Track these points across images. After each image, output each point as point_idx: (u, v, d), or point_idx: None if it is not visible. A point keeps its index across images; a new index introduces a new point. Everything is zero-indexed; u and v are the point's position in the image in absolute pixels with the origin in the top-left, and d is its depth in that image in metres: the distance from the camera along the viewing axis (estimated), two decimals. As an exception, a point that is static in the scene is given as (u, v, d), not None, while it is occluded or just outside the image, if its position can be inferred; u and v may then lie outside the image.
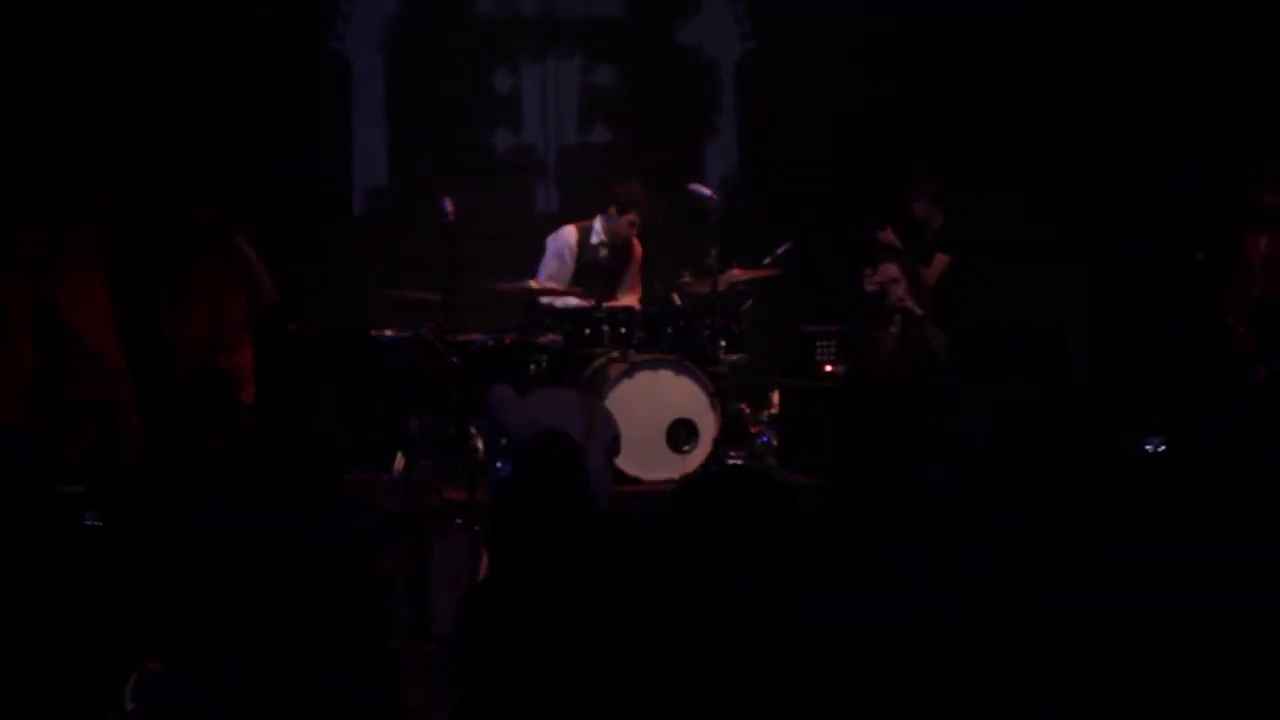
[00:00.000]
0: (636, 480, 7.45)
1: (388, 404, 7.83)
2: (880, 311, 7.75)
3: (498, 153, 9.55)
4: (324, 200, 9.18)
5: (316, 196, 9.06)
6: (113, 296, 7.12)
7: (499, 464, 6.50)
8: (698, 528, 3.13)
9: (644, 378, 7.59)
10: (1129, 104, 8.87)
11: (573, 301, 7.98)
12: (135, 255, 7.53)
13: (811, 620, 3.01)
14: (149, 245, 7.73)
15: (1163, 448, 3.78)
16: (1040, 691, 3.10)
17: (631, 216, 8.03)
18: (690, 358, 7.69)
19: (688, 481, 3.66)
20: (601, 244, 8.13)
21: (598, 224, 8.13)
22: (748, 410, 8.23)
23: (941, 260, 8.24)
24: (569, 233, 8.17)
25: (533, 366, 7.72)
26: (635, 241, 8.22)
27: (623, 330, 7.74)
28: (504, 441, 6.44)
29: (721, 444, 7.61)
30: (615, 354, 7.71)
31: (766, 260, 8.17)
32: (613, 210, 8.05)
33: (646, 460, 7.51)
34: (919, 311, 7.66)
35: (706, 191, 8.26)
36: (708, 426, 7.60)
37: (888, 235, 8.12)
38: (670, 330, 7.82)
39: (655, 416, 7.55)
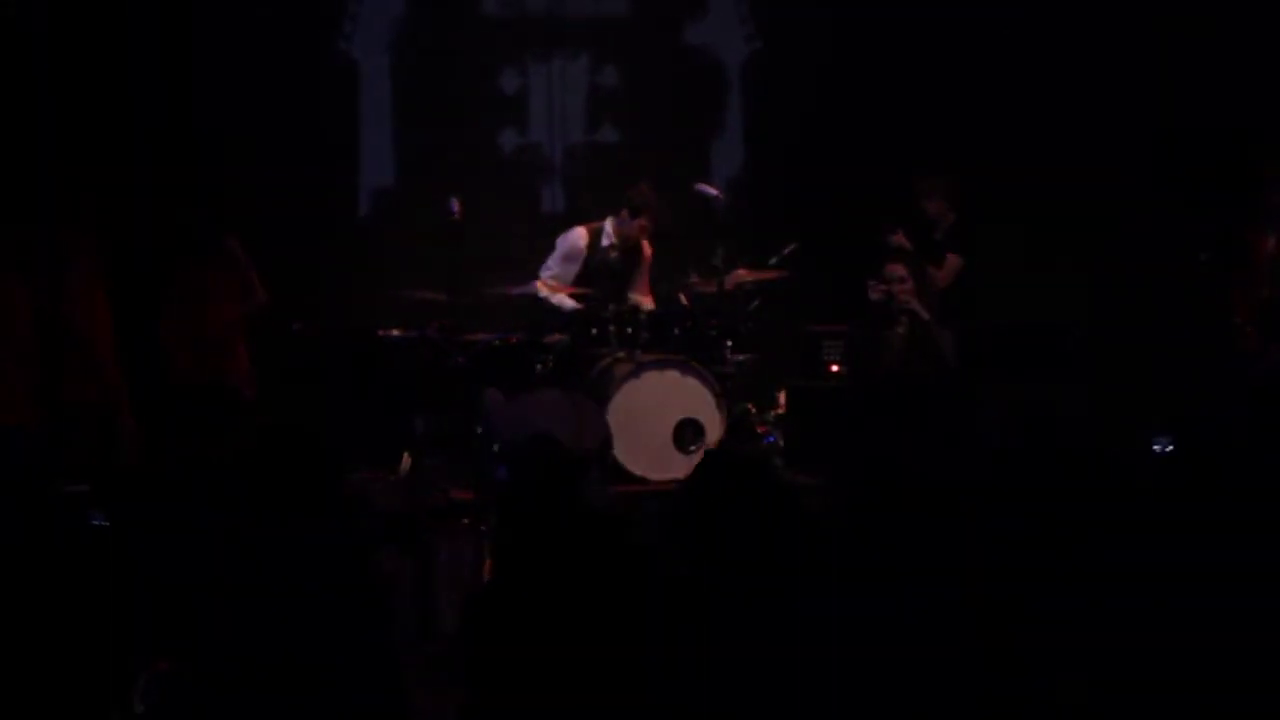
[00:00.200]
0: (643, 480, 7.45)
1: (393, 404, 7.83)
2: (887, 313, 7.74)
3: (504, 153, 9.55)
4: (330, 200, 9.18)
5: (323, 197, 9.06)
6: (110, 297, 7.12)
7: (497, 467, 6.51)
8: (696, 523, 3.14)
9: (651, 378, 7.59)
10: (1134, 102, 8.85)
11: (568, 303, 7.97)
12: (133, 256, 7.54)
13: (810, 617, 3.01)
14: (147, 246, 7.74)
15: (1170, 448, 3.78)
16: (1044, 691, 3.10)
17: (643, 221, 8.01)
18: (697, 358, 7.68)
19: (689, 476, 3.64)
20: (612, 246, 8.11)
21: (609, 226, 8.11)
22: (754, 410, 8.22)
23: (954, 262, 8.23)
24: (579, 234, 8.15)
25: (539, 367, 7.72)
26: (645, 243, 8.20)
27: (629, 330, 7.74)
28: (496, 447, 6.45)
29: (728, 444, 7.60)
30: (622, 354, 7.71)
31: (773, 261, 8.16)
32: (624, 213, 8.03)
33: (653, 460, 7.51)
34: (925, 314, 7.64)
35: (713, 192, 8.26)
36: (714, 427, 7.60)
37: (899, 238, 8.11)
38: (677, 331, 7.82)
39: (662, 417, 7.55)
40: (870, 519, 3.41)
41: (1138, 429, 4.99)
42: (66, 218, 6.98)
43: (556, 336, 7.86)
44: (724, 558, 3.11)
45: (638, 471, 7.44)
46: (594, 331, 7.77)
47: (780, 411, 8.36)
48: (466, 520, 6.70)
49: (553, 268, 8.13)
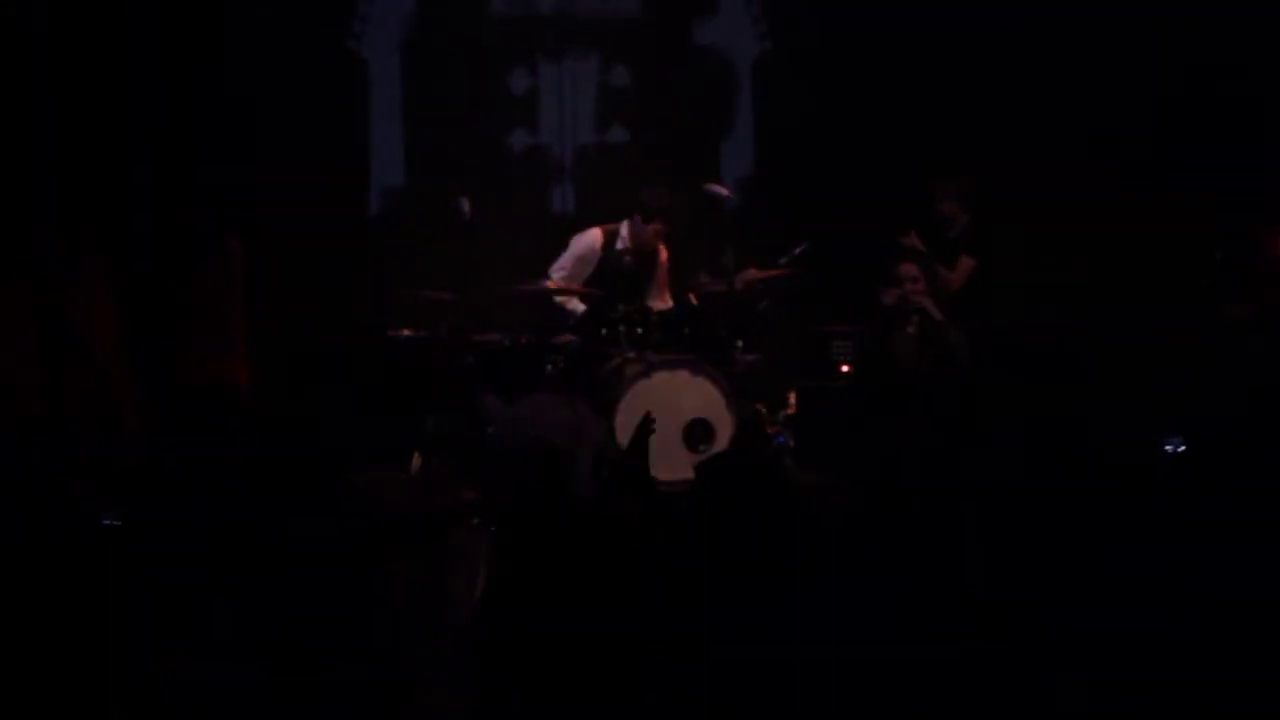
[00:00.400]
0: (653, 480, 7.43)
1: (404, 404, 7.83)
2: (898, 313, 7.73)
3: (514, 153, 9.55)
4: (340, 200, 9.18)
5: (333, 196, 9.07)
6: (115, 297, 7.12)
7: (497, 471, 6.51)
8: (699, 521, 3.14)
9: (661, 378, 7.58)
10: (1146, 102, 8.84)
11: (577, 303, 7.97)
12: (136, 256, 7.53)
13: (812, 617, 3.01)
14: (150, 247, 7.74)
15: (1182, 448, 3.77)
16: (1050, 692, 3.09)
17: (657, 225, 7.99)
18: (707, 358, 7.68)
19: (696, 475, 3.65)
20: (626, 250, 8.09)
21: (624, 229, 8.10)
22: (764, 411, 8.21)
23: (967, 264, 8.21)
24: (594, 236, 8.14)
25: (549, 367, 7.72)
26: (662, 247, 8.17)
27: (639, 331, 7.73)
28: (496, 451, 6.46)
29: (738, 444, 7.59)
30: (632, 354, 7.71)
31: (783, 260, 8.16)
32: (638, 217, 8.01)
33: (663, 460, 7.47)
34: (938, 313, 7.63)
35: (723, 192, 8.25)
36: (724, 427, 7.59)
37: (912, 239, 8.10)
38: (687, 330, 7.81)
39: (672, 417, 7.54)
40: (877, 518, 3.41)
41: (1150, 430, 4.98)
42: (68, 218, 6.99)
43: (567, 337, 7.85)
44: (729, 558, 3.11)
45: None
46: (604, 332, 7.76)
47: (790, 412, 8.35)
48: (475, 520, 6.70)
49: (564, 268, 8.12)
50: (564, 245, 8.23)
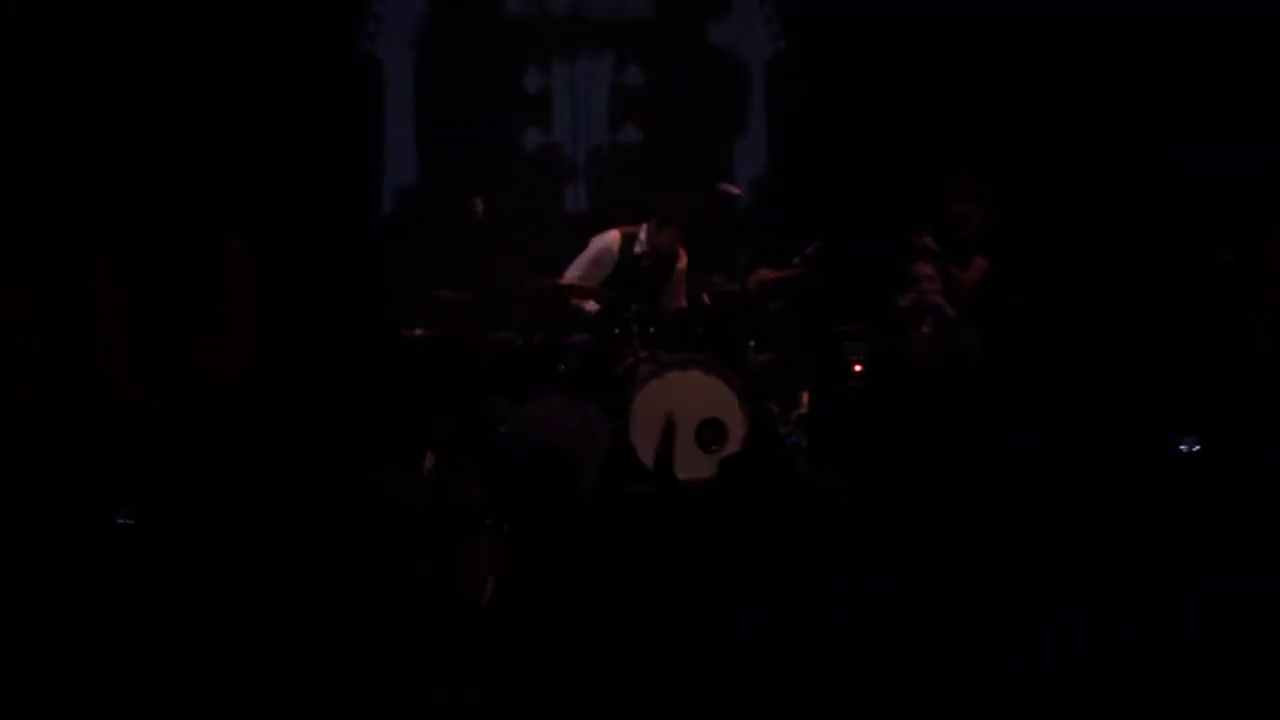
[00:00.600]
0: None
1: (417, 403, 7.83)
2: (913, 313, 7.72)
3: (527, 152, 9.55)
4: (354, 200, 9.20)
5: (347, 196, 9.08)
6: (126, 297, 7.12)
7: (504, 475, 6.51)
8: (715, 520, 3.14)
9: (673, 378, 7.57)
10: (1158, 100, 8.82)
11: (591, 304, 7.96)
12: (141, 256, 7.54)
13: (821, 615, 3.00)
14: (155, 246, 7.74)
15: (1197, 448, 3.76)
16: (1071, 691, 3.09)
17: (674, 230, 7.97)
18: (720, 358, 7.67)
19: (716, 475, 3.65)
20: (644, 253, 8.08)
21: (642, 233, 8.08)
22: (777, 410, 8.20)
23: (981, 265, 8.20)
24: (613, 238, 8.12)
25: (562, 366, 7.71)
26: (681, 251, 8.15)
27: (652, 330, 7.73)
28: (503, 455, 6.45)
29: (751, 444, 7.58)
30: (644, 354, 7.70)
31: (796, 260, 8.14)
32: (655, 222, 7.99)
33: (676, 460, 7.48)
34: (952, 313, 7.62)
35: (736, 191, 8.23)
36: (737, 427, 7.58)
37: (926, 239, 8.09)
38: (699, 330, 7.80)
39: (684, 417, 7.53)
40: (887, 518, 3.41)
41: (1164, 429, 4.97)
42: (72, 218, 7.00)
43: (579, 336, 7.85)
44: (742, 557, 3.11)
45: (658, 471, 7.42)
46: (616, 331, 7.75)
47: (803, 411, 8.34)
48: (489, 520, 6.70)
49: (579, 269, 8.11)
50: (580, 245, 8.23)
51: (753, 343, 7.82)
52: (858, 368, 8.20)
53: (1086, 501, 3.42)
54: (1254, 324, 7.59)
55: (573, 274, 8.08)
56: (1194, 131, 8.71)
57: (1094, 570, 3.26)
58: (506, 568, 5.25)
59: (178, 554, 4.40)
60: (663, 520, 4.02)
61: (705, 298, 8.14)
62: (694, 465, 7.48)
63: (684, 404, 7.53)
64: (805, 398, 8.37)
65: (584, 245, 8.17)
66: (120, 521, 4.97)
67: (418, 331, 8.07)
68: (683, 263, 8.21)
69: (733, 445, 7.55)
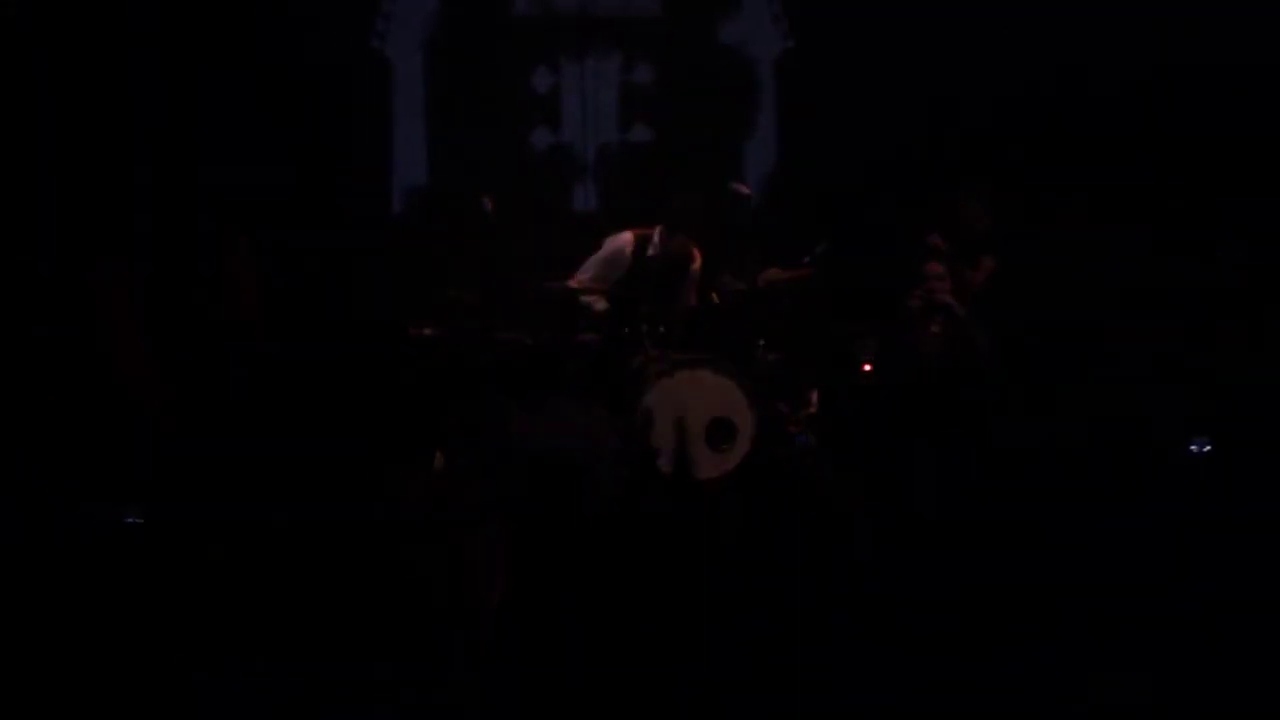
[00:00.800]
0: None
1: (426, 402, 7.84)
2: (923, 312, 7.71)
3: (536, 151, 9.56)
4: (363, 199, 9.21)
5: (356, 195, 9.09)
6: (140, 294, 7.14)
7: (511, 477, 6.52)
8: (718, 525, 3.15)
9: (683, 377, 7.57)
10: (1167, 99, 8.81)
11: (600, 304, 7.96)
12: (149, 256, 7.56)
13: (819, 621, 3.00)
14: (162, 247, 7.76)
15: (1208, 448, 3.76)
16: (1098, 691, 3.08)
17: (686, 236, 7.96)
18: (729, 357, 7.66)
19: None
20: (657, 255, 8.06)
21: (656, 235, 8.07)
22: (786, 410, 8.19)
23: (989, 264, 8.19)
24: (625, 239, 8.11)
25: (571, 365, 7.71)
26: (695, 251, 8.14)
27: (662, 329, 7.72)
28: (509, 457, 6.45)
29: (760, 443, 7.58)
30: (654, 353, 7.70)
31: (805, 259, 8.14)
32: (667, 225, 7.98)
33: (686, 460, 7.48)
34: (961, 312, 7.61)
35: (745, 190, 8.22)
36: (746, 426, 7.57)
37: (935, 239, 8.08)
38: (709, 329, 7.79)
39: (694, 416, 7.53)
40: (893, 516, 3.41)
41: (1177, 429, 4.96)
42: (80, 222, 7.01)
43: (589, 336, 7.84)
44: (750, 557, 3.11)
45: (669, 471, 7.42)
46: (626, 331, 7.75)
47: (812, 411, 8.33)
48: (496, 519, 6.70)
49: (590, 269, 8.10)
50: (589, 245, 8.22)
51: (762, 342, 7.81)
52: (867, 367, 8.19)
53: (1091, 501, 3.41)
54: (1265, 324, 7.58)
55: (585, 274, 8.08)
56: (1205, 129, 8.70)
57: (1094, 570, 3.26)
58: (512, 568, 5.26)
59: (186, 553, 4.40)
60: (670, 520, 4.02)
61: (714, 297, 8.14)
62: (704, 464, 7.49)
63: (694, 403, 7.52)
64: (814, 397, 8.37)
65: (596, 245, 8.17)
66: (129, 521, 4.98)
67: (427, 331, 8.06)
68: (697, 264, 8.20)
69: (742, 444, 7.54)
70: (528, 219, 8.91)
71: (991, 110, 9.02)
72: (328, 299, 8.14)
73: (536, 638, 3.42)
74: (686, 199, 8.02)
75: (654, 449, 7.30)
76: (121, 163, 7.96)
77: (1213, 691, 3.07)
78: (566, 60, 9.58)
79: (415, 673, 3.76)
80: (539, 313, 8.33)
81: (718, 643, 3.12)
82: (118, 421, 6.87)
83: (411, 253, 9.16)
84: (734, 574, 3.23)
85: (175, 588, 4.30)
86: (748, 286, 7.86)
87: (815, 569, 3.75)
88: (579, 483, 4.09)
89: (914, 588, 3.24)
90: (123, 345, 7.03)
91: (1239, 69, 8.57)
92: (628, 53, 9.61)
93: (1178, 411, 6.03)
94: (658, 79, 9.62)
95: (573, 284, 8.00)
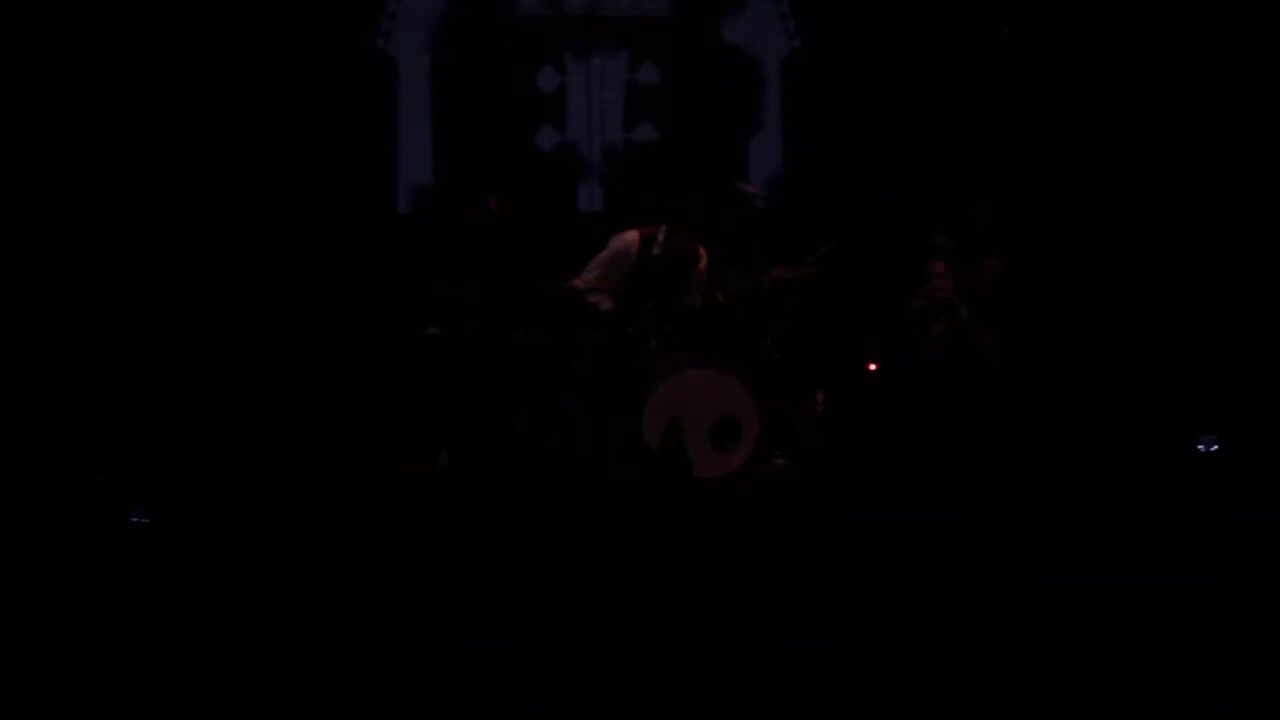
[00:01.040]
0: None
1: (432, 402, 7.84)
2: (927, 311, 7.70)
3: (542, 151, 9.55)
4: (369, 198, 9.21)
5: (361, 195, 9.09)
6: (153, 289, 7.15)
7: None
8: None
9: (688, 376, 7.57)
10: (1174, 99, 8.80)
11: (605, 304, 7.95)
12: (162, 252, 7.56)
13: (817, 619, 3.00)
14: (164, 245, 7.76)
15: (1215, 447, 3.76)
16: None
17: (691, 236, 7.96)
18: (734, 356, 7.66)
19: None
20: (662, 255, 8.06)
21: (662, 235, 8.07)
22: (792, 409, 8.19)
23: (995, 264, 8.19)
24: (631, 238, 8.12)
25: (576, 365, 7.71)
26: (700, 250, 8.14)
27: (667, 329, 7.72)
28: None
29: (765, 443, 7.58)
30: (660, 353, 7.70)
31: (811, 259, 8.14)
32: (673, 225, 7.98)
33: (691, 459, 7.48)
34: (965, 311, 7.60)
35: (751, 190, 8.22)
36: (751, 425, 7.57)
37: (940, 238, 8.07)
38: (714, 329, 7.79)
39: (699, 415, 7.53)
40: (893, 513, 3.41)
41: (1185, 429, 4.96)
42: (94, 221, 7.02)
43: (595, 335, 7.84)
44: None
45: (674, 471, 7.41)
46: (632, 330, 7.75)
47: (818, 410, 8.33)
48: (505, 519, 6.70)
49: (596, 268, 8.10)
50: (595, 244, 8.22)
51: (768, 341, 7.81)
52: (872, 366, 8.19)
53: (1093, 500, 3.41)
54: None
55: (590, 273, 8.08)
56: (1212, 129, 8.69)
57: (1096, 570, 3.26)
58: (516, 567, 5.26)
59: (191, 546, 4.40)
60: (674, 518, 4.02)
61: (720, 297, 8.14)
62: (709, 464, 7.49)
63: (699, 403, 7.53)
64: (820, 396, 8.37)
65: (601, 244, 8.18)
66: (135, 520, 4.98)
67: (432, 330, 8.06)
68: (703, 263, 8.20)
69: (748, 444, 7.54)
70: (533, 218, 8.91)
71: (997, 110, 9.01)
72: (332, 297, 8.13)
73: (539, 637, 3.42)
74: (692, 198, 8.02)
75: (659, 449, 7.30)
76: (125, 162, 7.96)
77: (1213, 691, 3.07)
78: (572, 60, 9.57)
79: (415, 672, 3.75)
80: (544, 312, 8.33)
81: (719, 643, 3.12)
82: (126, 417, 6.89)
83: (416, 252, 9.16)
84: (739, 573, 3.23)
85: (175, 588, 4.30)
86: (753, 286, 7.85)
87: (815, 569, 3.74)
88: (584, 483, 4.09)
89: (914, 588, 3.23)
90: (133, 341, 7.04)
91: (1239, 69, 8.56)
92: (634, 52, 9.61)
93: (1186, 411, 6.02)
94: (664, 79, 9.61)
95: (578, 283, 8.00)
